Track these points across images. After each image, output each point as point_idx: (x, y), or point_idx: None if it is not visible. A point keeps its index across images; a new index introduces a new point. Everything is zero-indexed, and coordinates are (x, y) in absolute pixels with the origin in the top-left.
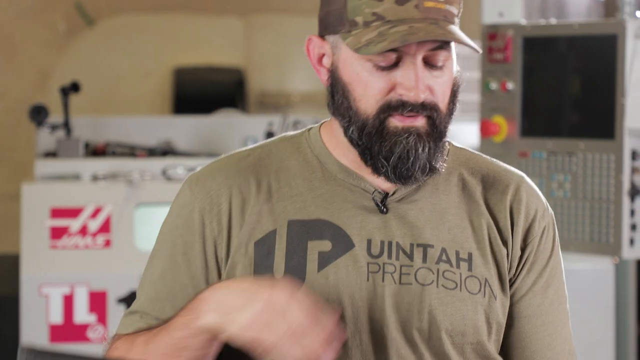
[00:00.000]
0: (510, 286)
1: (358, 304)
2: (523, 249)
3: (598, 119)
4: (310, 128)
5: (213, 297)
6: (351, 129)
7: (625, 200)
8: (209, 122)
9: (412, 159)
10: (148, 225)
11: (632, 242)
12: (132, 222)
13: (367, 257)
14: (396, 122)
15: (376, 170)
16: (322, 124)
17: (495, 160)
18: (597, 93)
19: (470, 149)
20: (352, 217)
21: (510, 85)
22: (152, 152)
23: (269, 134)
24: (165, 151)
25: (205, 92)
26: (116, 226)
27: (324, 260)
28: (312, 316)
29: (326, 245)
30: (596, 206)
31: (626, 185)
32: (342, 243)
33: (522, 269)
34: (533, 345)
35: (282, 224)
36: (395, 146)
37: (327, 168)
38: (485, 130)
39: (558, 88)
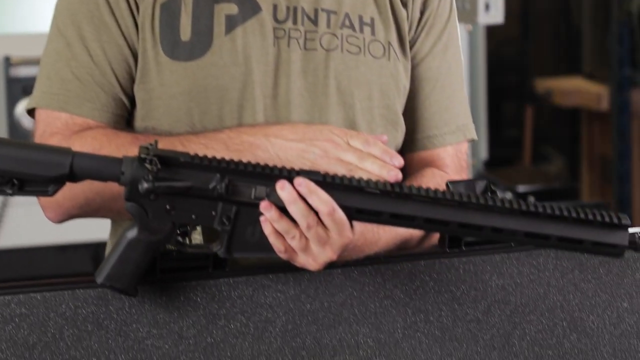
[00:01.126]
0: (410, 49)
1: (265, 69)
2: (422, 11)
3: None
4: None
5: (271, 147)
6: None
7: None
8: None
9: None
10: None
11: (487, 7)
12: None
13: (273, 22)
14: None
15: None
16: None
17: None
18: None
19: None
20: None
21: None
22: None
23: None
24: None
25: None
26: None
27: (231, 23)
28: (366, 147)
29: (232, 9)
30: None
31: None
32: (249, 7)
33: (421, 31)
34: (432, 107)
35: None
36: None
37: None
38: None
39: None
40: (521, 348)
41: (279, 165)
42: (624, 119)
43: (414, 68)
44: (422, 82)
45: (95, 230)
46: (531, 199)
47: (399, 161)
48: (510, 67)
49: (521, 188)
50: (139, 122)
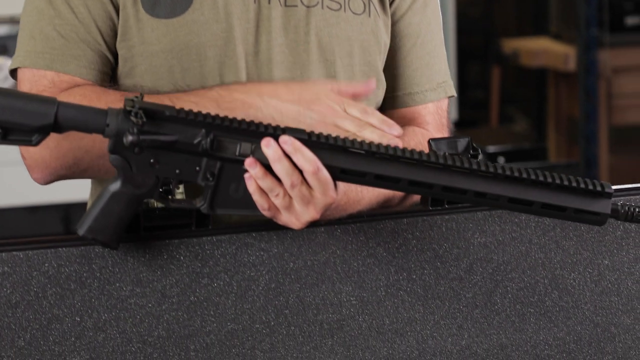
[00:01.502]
0: (390, 5)
1: (246, 26)
2: None
3: None
4: None
5: (265, 107)
6: None
7: None
8: None
9: None
10: None
11: None
12: None
13: None
14: None
15: None
16: None
17: None
18: None
19: None
20: None
21: None
22: None
23: None
24: None
25: None
26: None
27: None
28: (364, 115)
29: None
30: None
31: None
32: None
33: None
34: (414, 63)
35: None
36: None
37: None
38: None
39: None
40: (503, 306)
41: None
42: (590, 79)
43: (394, 24)
44: (402, 39)
45: (65, 191)
46: (501, 159)
47: (398, 130)
48: (476, 28)
49: (491, 148)
50: (122, 79)
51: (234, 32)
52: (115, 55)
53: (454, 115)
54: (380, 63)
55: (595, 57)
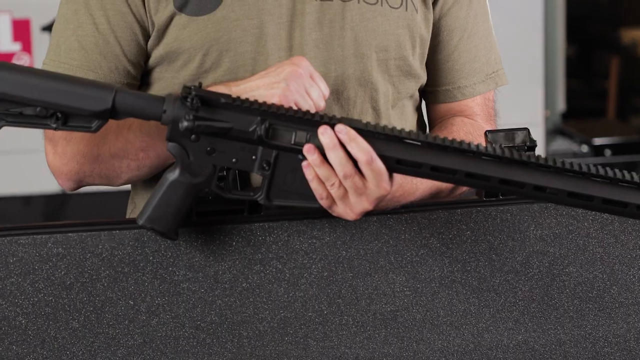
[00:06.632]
0: (436, 0)
1: (279, 21)
2: None
3: None
4: None
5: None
6: None
7: None
8: None
9: None
10: None
11: None
12: None
13: None
14: None
15: None
16: None
17: None
18: None
19: None
20: None
21: None
22: None
23: None
24: None
25: None
26: None
27: None
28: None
29: None
30: None
31: None
32: None
33: None
34: (462, 58)
35: None
36: None
37: None
38: None
39: None
40: (560, 301)
41: None
42: None
43: (441, 18)
44: (450, 33)
45: None
46: (607, 152)
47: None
48: (601, 16)
49: (597, 141)
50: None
51: (266, 29)
52: (138, 65)
53: (562, 106)
54: (416, 57)
55: None
